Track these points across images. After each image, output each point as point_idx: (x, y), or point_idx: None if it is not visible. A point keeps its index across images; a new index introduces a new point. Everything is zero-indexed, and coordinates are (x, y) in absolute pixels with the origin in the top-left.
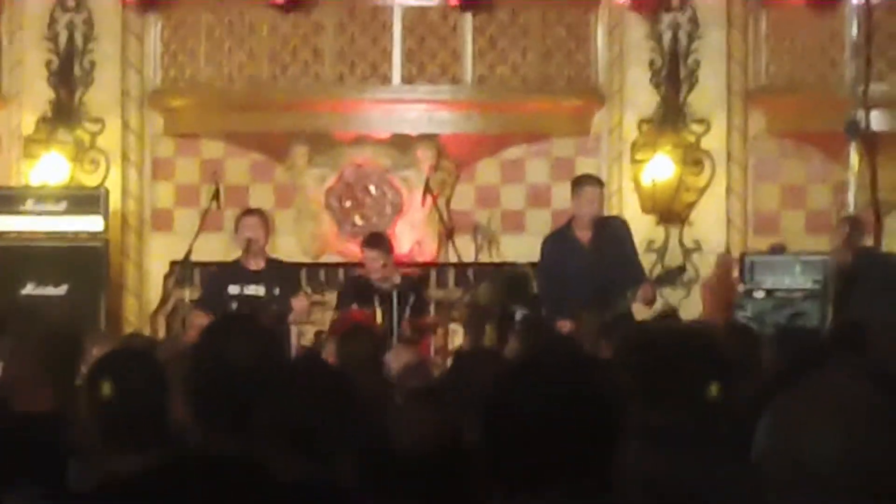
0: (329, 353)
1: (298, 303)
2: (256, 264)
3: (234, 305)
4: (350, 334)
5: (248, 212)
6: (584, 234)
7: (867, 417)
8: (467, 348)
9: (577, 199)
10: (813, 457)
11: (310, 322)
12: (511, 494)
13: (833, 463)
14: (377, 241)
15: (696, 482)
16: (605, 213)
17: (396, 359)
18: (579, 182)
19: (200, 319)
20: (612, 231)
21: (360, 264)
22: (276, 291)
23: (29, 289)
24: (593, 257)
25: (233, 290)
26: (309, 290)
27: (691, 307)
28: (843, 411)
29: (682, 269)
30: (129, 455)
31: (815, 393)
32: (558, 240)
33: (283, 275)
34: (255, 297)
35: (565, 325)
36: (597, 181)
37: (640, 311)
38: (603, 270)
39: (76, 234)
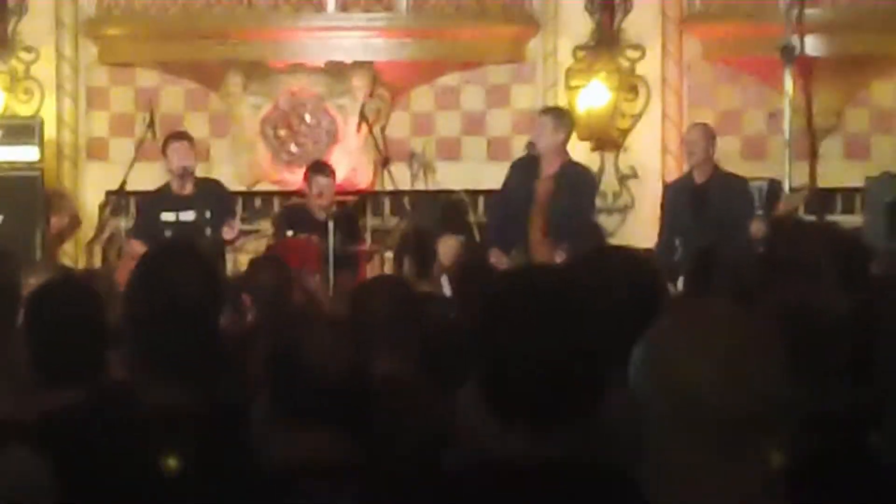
0: None
1: (229, 233)
2: (187, 188)
3: (168, 233)
4: (258, 264)
5: (177, 135)
6: (548, 168)
7: (742, 342)
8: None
9: (533, 129)
10: (687, 383)
11: (242, 250)
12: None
13: (708, 389)
14: (325, 168)
15: None
16: (563, 144)
17: None
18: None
19: (137, 249)
20: (573, 177)
21: (297, 192)
22: (208, 214)
23: None
24: (546, 193)
25: (166, 217)
26: (236, 220)
27: (626, 234)
28: (718, 336)
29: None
30: (66, 389)
31: (690, 318)
32: (523, 165)
33: (213, 194)
34: (189, 223)
35: (500, 259)
36: (547, 110)
37: None
38: (549, 209)
39: (11, 163)
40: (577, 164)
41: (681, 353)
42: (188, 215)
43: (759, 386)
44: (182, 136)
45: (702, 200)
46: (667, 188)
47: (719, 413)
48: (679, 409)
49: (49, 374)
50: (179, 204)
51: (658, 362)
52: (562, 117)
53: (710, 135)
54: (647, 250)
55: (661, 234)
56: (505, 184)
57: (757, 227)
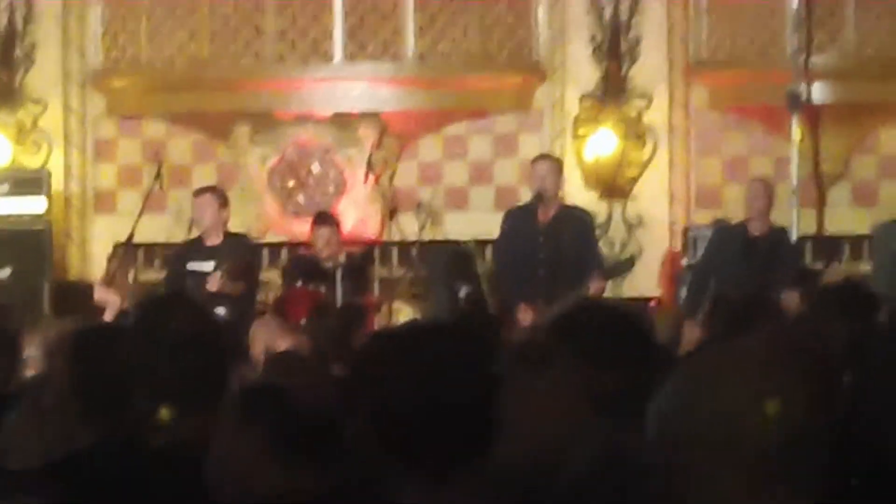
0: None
1: (211, 285)
2: (214, 240)
3: (189, 282)
4: (320, 311)
5: (201, 190)
6: (545, 215)
7: (771, 379)
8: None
9: (531, 177)
10: (722, 416)
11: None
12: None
13: (733, 425)
14: (328, 219)
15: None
16: (559, 189)
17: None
18: (532, 161)
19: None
20: (573, 220)
21: (305, 243)
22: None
23: None
24: (547, 239)
25: (191, 266)
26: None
27: (634, 282)
28: (753, 369)
29: (631, 261)
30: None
31: (719, 356)
32: (518, 215)
33: (237, 245)
34: (206, 274)
35: (526, 315)
36: (546, 157)
37: None
38: (555, 255)
39: (19, 216)
40: (574, 207)
41: (716, 386)
42: (208, 266)
43: (792, 419)
44: (207, 189)
45: (754, 253)
46: (716, 230)
47: (754, 445)
48: (715, 442)
49: (88, 411)
50: (204, 253)
51: (693, 397)
52: (559, 162)
53: (770, 191)
54: (655, 299)
55: (695, 271)
56: (502, 232)
57: (790, 298)
